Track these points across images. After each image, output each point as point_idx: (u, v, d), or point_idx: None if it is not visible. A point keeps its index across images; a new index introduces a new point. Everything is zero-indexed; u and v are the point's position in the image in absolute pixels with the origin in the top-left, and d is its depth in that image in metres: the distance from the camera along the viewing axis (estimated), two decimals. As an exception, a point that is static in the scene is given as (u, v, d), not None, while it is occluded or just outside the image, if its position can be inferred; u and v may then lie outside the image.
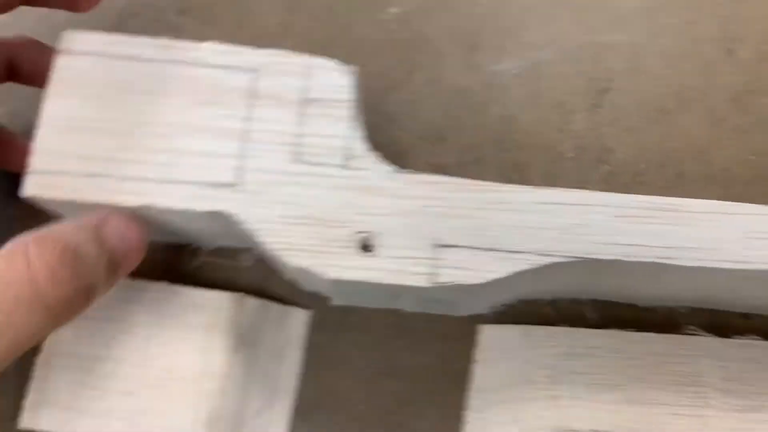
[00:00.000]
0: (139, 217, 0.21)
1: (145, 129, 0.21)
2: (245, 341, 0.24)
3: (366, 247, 0.20)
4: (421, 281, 0.20)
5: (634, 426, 0.23)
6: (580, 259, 0.20)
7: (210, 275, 0.26)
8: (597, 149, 0.28)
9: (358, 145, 0.22)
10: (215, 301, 0.24)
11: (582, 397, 0.23)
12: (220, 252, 0.26)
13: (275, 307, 0.25)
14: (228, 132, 0.21)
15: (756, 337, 0.25)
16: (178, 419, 0.23)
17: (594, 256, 0.20)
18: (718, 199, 0.21)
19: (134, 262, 0.21)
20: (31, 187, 0.21)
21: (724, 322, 0.25)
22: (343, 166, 0.21)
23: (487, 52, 0.29)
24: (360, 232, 0.21)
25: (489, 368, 0.24)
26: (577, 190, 0.21)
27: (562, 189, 0.21)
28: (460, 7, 0.30)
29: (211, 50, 0.22)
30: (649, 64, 0.29)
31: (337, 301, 0.25)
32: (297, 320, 0.25)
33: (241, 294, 0.24)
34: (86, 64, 0.22)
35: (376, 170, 0.21)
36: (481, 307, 0.25)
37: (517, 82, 0.29)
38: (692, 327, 0.25)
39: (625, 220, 0.21)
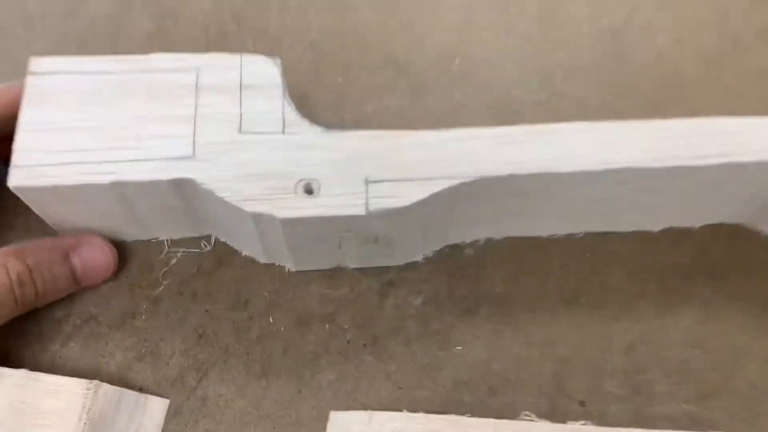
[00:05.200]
0: (107, 242, 0.28)
1: (110, 124, 0.26)
2: (96, 427, 0.25)
3: (310, 191, 0.25)
4: (358, 210, 0.25)
5: None
6: (479, 178, 0.25)
7: (74, 364, 0.27)
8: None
9: (292, 116, 0.26)
10: (69, 387, 0.25)
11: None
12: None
13: (131, 395, 0.26)
14: (181, 118, 0.26)
15: (587, 422, 0.26)
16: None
17: (491, 173, 0.25)
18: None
19: (100, 278, 0.28)
20: (15, 179, 0.24)
21: (561, 410, 0.27)
22: (281, 132, 0.26)
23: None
24: (302, 180, 0.25)
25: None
26: (463, 128, 0.26)
27: (451, 129, 0.26)
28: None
29: (158, 59, 0.27)
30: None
31: (293, 263, 0.29)
32: (154, 408, 0.26)
33: (96, 382, 0.25)
34: (54, 81, 0.26)
35: (310, 132, 0.26)
36: (416, 251, 0.30)
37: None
38: (527, 413, 0.26)
39: (505, 145, 0.26)
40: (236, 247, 0.30)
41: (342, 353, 0.28)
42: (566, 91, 0.34)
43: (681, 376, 0.28)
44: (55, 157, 0.25)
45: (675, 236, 0.31)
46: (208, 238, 0.30)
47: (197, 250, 0.30)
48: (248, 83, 0.27)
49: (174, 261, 0.29)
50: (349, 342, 0.28)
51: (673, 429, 0.26)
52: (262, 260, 0.30)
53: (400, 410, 0.26)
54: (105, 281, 0.29)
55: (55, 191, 0.25)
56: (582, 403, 0.27)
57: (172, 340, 0.28)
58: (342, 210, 0.25)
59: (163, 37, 0.35)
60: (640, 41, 0.36)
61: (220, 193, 0.25)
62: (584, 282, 0.30)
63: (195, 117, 0.26)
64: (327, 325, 0.28)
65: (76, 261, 0.27)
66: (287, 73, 0.28)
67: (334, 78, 0.34)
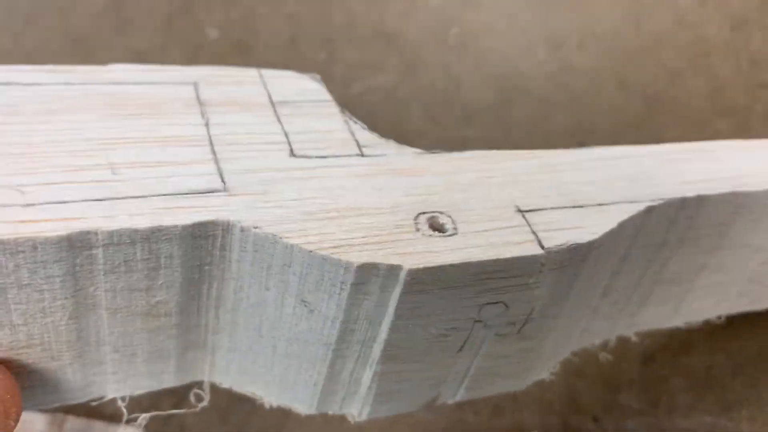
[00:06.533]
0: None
1: (53, 147, 0.16)
2: (62, 466, 0.22)
3: (439, 228, 0.16)
4: (532, 248, 0.16)
5: None
6: (667, 201, 0.19)
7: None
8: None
9: (366, 135, 0.19)
10: (30, 424, 0.23)
11: None
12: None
13: (99, 427, 0.24)
14: (180, 139, 0.17)
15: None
16: None
17: (679, 195, 0.19)
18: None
19: None
20: None
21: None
22: (359, 155, 0.18)
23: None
24: (422, 214, 0.16)
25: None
26: (615, 146, 0.21)
27: (602, 147, 0.21)
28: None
29: (121, 70, 0.19)
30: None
31: (369, 402, 0.19)
32: (127, 438, 0.24)
33: (62, 414, 0.23)
34: None
35: (402, 153, 0.19)
36: (549, 360, 0.22)
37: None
38: (537, 435, 0.24)
39: (672, 164, 0.21)
40: (259, 391, 0.19)
41: None
42: (578, 62, 0.31)
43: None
44: None
45: None
46: (199, 385, 0.19)
47: (182, 411, 0.19)
48: (281, 100, 0.20)
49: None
50: None
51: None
52: (308, 410, 0.19)
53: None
54: None
55: None
56: (595, 419, 0.25)
57: None
58: (506, 250, 0.16)
59: (120, 7, 0.31)
60: (660, 3, 0.32)
61: (291, 239, 0.15)
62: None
63: (209, 138, 0.17)
64: None
65: None
66: (261, 49, 0.24)
67: (315, 53, 0.31)
